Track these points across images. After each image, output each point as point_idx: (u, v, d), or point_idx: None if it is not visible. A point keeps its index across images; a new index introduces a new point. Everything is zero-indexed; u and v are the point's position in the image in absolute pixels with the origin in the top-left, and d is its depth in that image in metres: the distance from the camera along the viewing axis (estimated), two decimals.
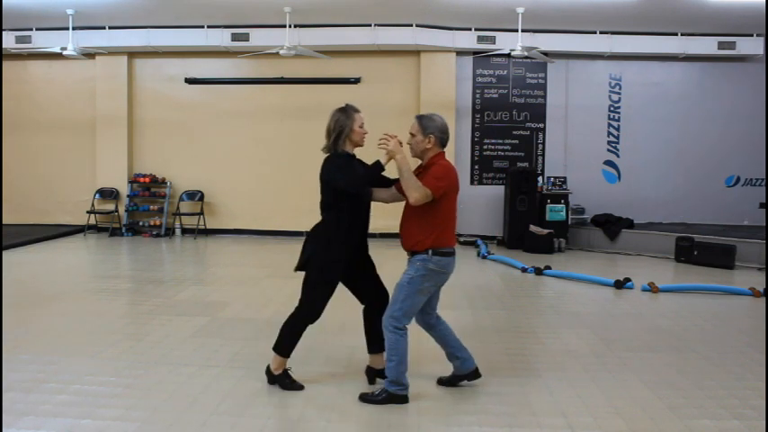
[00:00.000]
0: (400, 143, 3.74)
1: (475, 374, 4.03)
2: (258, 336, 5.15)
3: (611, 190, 11.24)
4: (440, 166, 3.72)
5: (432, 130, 3.77)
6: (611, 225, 10.35)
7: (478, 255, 9.52)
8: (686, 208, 11.14)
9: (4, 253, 8.86)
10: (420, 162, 3.87)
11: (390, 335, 3.72)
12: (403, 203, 3.88)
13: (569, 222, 10.42)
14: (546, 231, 10.03)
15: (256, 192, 11.47)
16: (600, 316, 6.12)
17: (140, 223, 11.54)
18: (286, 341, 3.95)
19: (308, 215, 11.58)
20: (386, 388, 3.77)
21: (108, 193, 11.52)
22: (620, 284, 7.25)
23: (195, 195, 11.49)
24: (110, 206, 11.49)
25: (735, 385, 4.15)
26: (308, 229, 3.90)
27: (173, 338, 5.02)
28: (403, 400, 3.76)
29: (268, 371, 4.02)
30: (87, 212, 11.34)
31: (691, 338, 5.28)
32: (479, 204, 11.12)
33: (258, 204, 11.51)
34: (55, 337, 5.02)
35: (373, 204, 3.98)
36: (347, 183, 3.75)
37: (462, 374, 4.04)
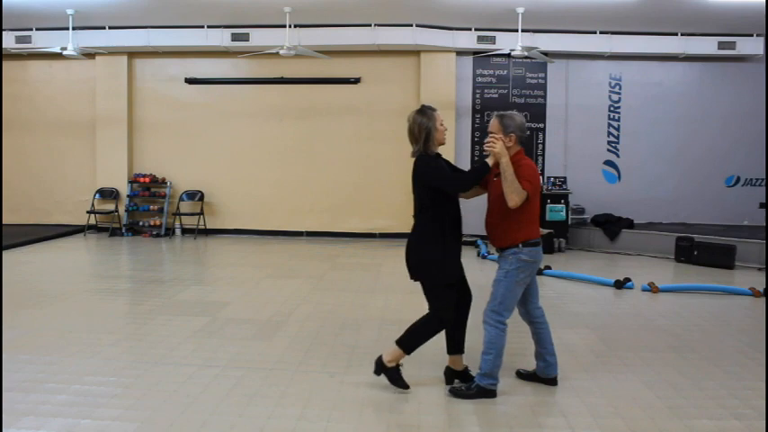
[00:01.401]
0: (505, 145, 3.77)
1: (553, 382, 4.07)
2: (258, 336, 5.16)
3: (611, 190, 11.23)
4: (527, 168, 3.79)
5: (512, 129, 3.83)
6: (611, 225, 10.35)
7: (479, 255, 9.51)
8: (686, 208, 11.14)
9: (4, 253, 8.86)
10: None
11: (491, 329, 3.82)
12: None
13: (569, 222, 10.42)
14: (546, 231, 10.01)
15: (256, 192, 11.47)
16: (600, 316, 6.12)
17: (140, 223, 11.54)
18: (415, 340, 3.91)
19: (308, 215, 11.73)
20: (477, 382, 3.84)
21: (108, 193, 11.52)
22: (620, 284, 7.25)
23: (195, 195, 11.49)
24: (110, 206, 11.49)
25: (735, 385, 4.15)
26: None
27: (173, 338, 5.02)
28: (492, 394, 3.83)
29: (379, 360, 3.97)
30: (87, 212, 11.34)
31: (690, 338, 5.28)
32: (479, 204, 10.99)
33: (258, 204, 11.51)
34: (55, 337, 5.02)
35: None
36: (447, 182, 3.81)
37: (541, 377, 4.09)
